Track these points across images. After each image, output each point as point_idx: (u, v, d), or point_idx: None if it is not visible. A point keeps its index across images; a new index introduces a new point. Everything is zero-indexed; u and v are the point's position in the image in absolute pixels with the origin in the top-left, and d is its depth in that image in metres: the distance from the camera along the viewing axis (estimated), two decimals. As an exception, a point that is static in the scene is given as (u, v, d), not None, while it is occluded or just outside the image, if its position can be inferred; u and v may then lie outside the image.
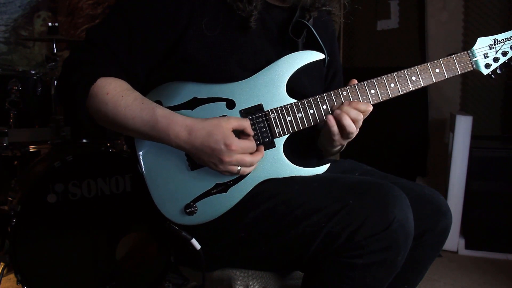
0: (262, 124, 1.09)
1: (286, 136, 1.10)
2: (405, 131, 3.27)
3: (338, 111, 1.05)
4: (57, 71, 2.21)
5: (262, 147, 1.08)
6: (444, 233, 1.16)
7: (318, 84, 1.29)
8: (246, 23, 1.10)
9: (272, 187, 1.07)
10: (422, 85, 1.11)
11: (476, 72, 1.14)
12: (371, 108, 1.08)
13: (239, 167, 1.03)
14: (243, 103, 1.09)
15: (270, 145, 1.09)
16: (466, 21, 3.11)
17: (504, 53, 1.13)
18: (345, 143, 1.11)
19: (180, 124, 1.00)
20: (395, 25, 3.45)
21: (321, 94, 1.09)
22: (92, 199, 1.85)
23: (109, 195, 1.88)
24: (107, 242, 1.87)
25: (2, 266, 1.83)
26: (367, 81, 1.09)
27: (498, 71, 1.14)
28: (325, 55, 1.13)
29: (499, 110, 3.08)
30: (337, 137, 1.08)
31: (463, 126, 2.60)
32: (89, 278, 1.84)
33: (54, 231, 1.78)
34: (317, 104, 1.09)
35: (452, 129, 2.71)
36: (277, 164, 1.10)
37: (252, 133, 1.05)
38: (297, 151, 1.15)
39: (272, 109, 1.09)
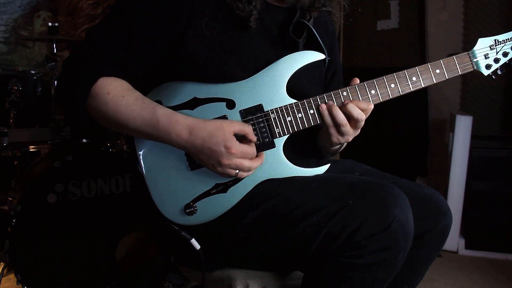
0: (262, 125, 1.09)
1: (286, 137, 1.10)
2: (405, 131, 3.27)
3: (330, 103, 1.06)
4: (57, 71, 2.21)
5: (262, 154, 1.08)
6: (444, 233, 1.16)
7: (318, 84, 1.29)
8: (245, 23, 1.10)
9: (272, 187, 1.07)
10: (423, 86, 1.11)
11: (476, 73, 1.14)
12: (371, 106, 1.08)
13: (237, 171, 1.03)
14: (243, 103, 1.09)
15: (270, 145, 1.09)
16: (466, 21, 3.11)
17: (505, 54, 1.13)
18: (343, 141, 1.10)
19: (181, 124, 1.01)
20: (395, 25, 3.45)
21: (321, 94, 1.09)
22: (92, 199, 1.85)
23: (109, 195, 1.88)
24: (107, 242, 1.87)
25: (2, 266, 1.83)
26: (367, 82, 1.09)
27: (499, 72, 1.14)
28: (325, 55, 1.13)
29: (499, 110, 3.08)
30: (332, 130, 1.07)
31: (463, 126, 2.60)
32: (89, 278, 1.84)
33: (54, 231, 1.78)
34: (317, 105, 1.09)
35: (452, 129, 2.71)
36: (277, 164, 1.10)
37: (254, 139, 1.05)
38: (297, 151, 1.15)
39: (272, 109, 1.09)
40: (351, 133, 1.08)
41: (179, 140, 1.01)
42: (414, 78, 1.10)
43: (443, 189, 2.77)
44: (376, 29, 3.52)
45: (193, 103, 1.08)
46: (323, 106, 1.07)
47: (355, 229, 0.94)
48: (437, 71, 1.10)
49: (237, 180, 1.08)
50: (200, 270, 1.10)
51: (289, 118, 1.09)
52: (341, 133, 1.07)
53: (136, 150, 1.11)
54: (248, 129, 1.04)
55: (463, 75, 1.13)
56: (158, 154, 1.09)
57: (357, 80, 1.10)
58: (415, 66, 1.10)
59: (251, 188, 1.09)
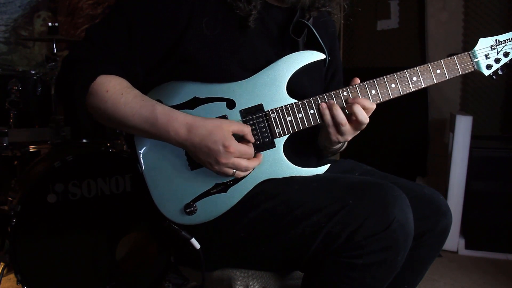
0: (262, 124, 1.09)
1: (286, 136, 1.10)
2: (405, 131, 3.27)
3: (331, 101, 1.07)
4: (57, 71, 2.21)
5: (260, 155, 1.08)
6: (444, 233, 1.16)
7: (319, 84, 1.29)
8: (245, 23, 1.10)
9: (272, 187, 1.07)
10: (423, 86, 1.11)
11: (476, 73, 1.14)
12: (374, 106, 1.07)
13: (234, 170, 1.03)
14: (243, 103, 1.09)
15: (270, 145, 1.09)
16: (466, 21, 3.11)
17: (506, 54, 1.12)
18: (342, 140, 1.10)
19: (180, 121, 1.01)
20: (395, 25, 3.45)
21: (321, 94, 1.09)
22: (92, 199, 1.84)
23: (109, 195, 1.88)
24: (107, 242, 1.87)
25: (2, 266, 1.83)
26: (367, 82, 1.09)
27: (500, 72, 1.14)
28: (325, 55, 1.12)
29: (499, 110, 3.08)
30: (331, 129, 1.07)
31: (463, 126, 2.60)
32: (89, 278, 1.84)
33: (54, 231, 1.78)
34: (317, 105, 1.09)
35: (452, 129, 2.71)
36: (277, 164, 1.10)
37: (253, 140, 1.05)
38: (297, 151, 1.15)
39: (273, 109, 1.09)
40: (350, 132, 1.08)
41: (177, 138, 1.01)
42: (414, 78, 1.10)
43: (443, 189, 2.77)
44: (376, 29, 3.52)
45: (193, 103, 1.08)
46: (323, 105, 1.07)
47: (355, 229, 0.94)
48: (438, 71, 1.10)
49: (237, 180, 1.08)
50: (200, 270, 1.10)
51: (289, 118, 1.09)
52: (340, 132, 1.07)
53: (136, 149, 1.11)
54: (246, 130, 1.04)
55: (463, 75, 1.13)
56: (158, 154, 1.09)
57: (358, 80, 1.10)
58: (416, 66, 1.10)
59: (251, 188, 1.09)
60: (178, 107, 1.08)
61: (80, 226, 1.82)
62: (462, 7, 3.11)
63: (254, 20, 1.10)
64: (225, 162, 1.01)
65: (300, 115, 1.09)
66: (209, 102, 1.08)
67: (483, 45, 1.12)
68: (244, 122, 1.08)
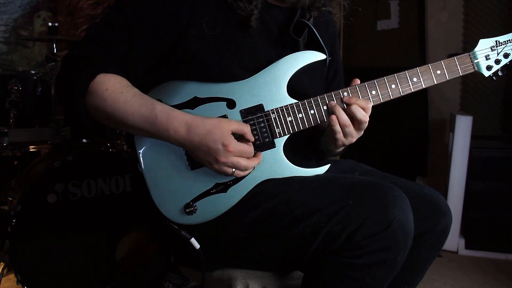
0: (262, 124, 1.09)
1: (286, 137, 1.10)
2: (405, 131, 3.27)
3: (333, 103, 1.07)
4: (57, 71, 2.20)
5: (260, 154, 1.08)
6: (444, 233, 1.16)
7: (319, 85, 1.29)
8: (246, 23, 1.10)
9: (272, 187, 1.07)
10: (423, 87, 1.11)
11: (477, 73, 1.14)
12: (370, 105, 1.07)
13: (233, 169, 1.03)
14: (243, 103, 1.09)
15: (270, 145, 1.09)
16: (466, 21, 3.11)
17: (506, 55, 1.12)
18: (347, 142, 1.11)
19: (179, 120, 1.01)
20: (395, 25, 3.45)
21: (321, 94, 1.09)
22: (92, 199, 1.84)
23: (109, 195, 1.88)
24: (107, 242, 1.87)
25: (2, 266, 1.83)
26: (368, 82, 1.09)
27: (500, 73, 1.14)
28: (326, 55, 1.12)
29: (499, 110, 3.08)
30: (338, 135, 1.08)
31: (463, 126, 2.60)
32: (89, 278, 1.84)
33: (54, 231, 1.78)
34: (317, 105, 1.09)
35: (452, 129, 2.71)
36: (277, 164, 1.10)
37: (252, 139, 1.05)
38: (297, 151, 1.15)
39: (273, 109, 1.09)
40: (354, 134, 1.08)
41: (177, 137, 1.01)
42: (415, 79, 1.10)
43: (443, 189, 2.78)
44: (376, 29, 3.52)
45: (194, 103, 1.08)
46: (332, 103, 1.07)
47: (355, 229, 0.94)
48: (438, 72, 1.10)
49: (237, 179, 1.08)
50: (200, 270, 1.10)
51: (289, 118, 1.09)
52: (345, 134, 1.07)
53: (136, 149, 1.11)
54: (246, 129, 1.04)
55: (463, 75, 1.13)
56: (158, 153, 1.09)
57: (358, 81, 1.10)
58: (416, 67, 1.10)
59: (251, 188, 1.09)
60: (179, 106, 1.07)
61: (80, 226, 1.82)
62: (462, 7, 3.11)
63: (255, 20, 1.10)
64: (225, 161, 1.01)
65: (300, 115, 1.09)
66: (210, 102, 1.08)
67: (484, 46, 1.12)
68: (245, 122, 1.08)
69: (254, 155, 1.06)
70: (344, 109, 1.07)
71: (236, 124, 1.03)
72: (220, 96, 1.08)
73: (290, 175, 1.10)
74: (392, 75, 1.09)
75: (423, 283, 2.07)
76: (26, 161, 2.21)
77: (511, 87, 3.01)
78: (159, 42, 1.07)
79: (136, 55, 1.07)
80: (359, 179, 1.05)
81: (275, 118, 1.09)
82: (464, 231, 2.66)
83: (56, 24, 2.44)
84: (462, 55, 1.12)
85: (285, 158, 1.10)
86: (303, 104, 1.09)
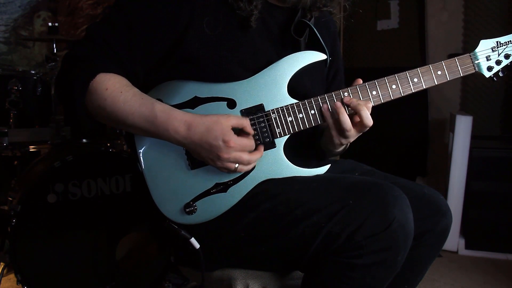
0: (262, 124, 1.09)
1: (286, 137, 1.10)
2: (405, 131, 3.27)
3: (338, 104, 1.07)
4: (57, 71, 2.20)
5: (261, 147, 1.08)
6: (444, 233, 1.16)
7: (320, 85, 1.29)
8: (246, 23, 1.10)
9: (272, 187, 1.07)
10: (424, 87, 1.11)
11: (478, 74, 1.14)
12: (370, 105, 1.07)
13: (236, 165, 1.03)
14: (244, 103, 1.09)
15: (270, 145, 1.09)
16: (466, 21, 3.11)
17: (507, 56, 1.12)
18: (345, 142, 1.11)
19: (179, 119, 1.00)
20: (395, 25, 3.45)
21: (322, 94, 1.09)
22: (92, 199, 1.85)
23: (109, 195, 1.88)
24: (107, 242, 1.87)
25: (2, 266, 1.83)
26: (368, 82, 1.09)
27: (500, 74, 1.14)
28: (326, 55, 1.12)
29: (499, 110, 3.08)
30: (334, 132, 1.08)
31: (463, 126, 2.60)
32: (89, 278, 1.84)
33: (54, 231, 1.78)
34: (318, 105, 1.09)
35: (452, 129, 2.71)
36: (278, 164, 1.10)
37: (252, 132, 1.05)
38: (297, 151, 1.15)
39: (273, 109, 1.09)
40: (354, 135, 1.08)
41: (177, 136, 1.01)
42: (415, 79, 1.10)
43: (443, 189, 2.77)
44: (376, 29, 3.53)
45: (194, 102, 1.08)
46: (325, 107, 1.07)
47: (355, 229, 0.94)
48: (439, 72, 1.10)
49: (237, 179, 1.08)
50: (200, 270, 1.10)
51: (290, 118, 1.09)
52: (344, 135, 1.08)
53: (136, 148, 1.11)
54: (245, 122, 1.04)
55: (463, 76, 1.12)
56: (158, 153, 1.09)
57: (360, 81, 1.10)
58: (416, 67, 1.10)
59: (251, 188, 1.08)
60: (179, 106, 1.07)
61: (80, 226, 1.82)
62: (462, 7, 3.11)
63: (255, 20, 1.10)
64: (227, 157, 1.01)
65: (301, 115, 1.09)
66: (210, 102, 1.08)
67: (484, 46, 1.12)
68: None
69: (255, 149, 1.06)
70: (350, 113, 1.07)
71: (235, 118, 1.03)
72: (220, 96, 1.08)
73: (290, 175, 1.10)
74: (393, 75, 1.09)
75: (423, 283, 2.07)
76: (26, 161, 2.22)
77: (511, 87, 3.01)
78: (159, 42, 1.07)
79: (136, 54, 1.07)
80: (359, 179, 1.05)
81: (275, 118, 1.09)
82: (464, 231, 2.66)
83: (56, 24, 2.44)
84: (463, 55, 1.12)
85: (285, 158, 1.10)
86: (304, 104, 1.09)
